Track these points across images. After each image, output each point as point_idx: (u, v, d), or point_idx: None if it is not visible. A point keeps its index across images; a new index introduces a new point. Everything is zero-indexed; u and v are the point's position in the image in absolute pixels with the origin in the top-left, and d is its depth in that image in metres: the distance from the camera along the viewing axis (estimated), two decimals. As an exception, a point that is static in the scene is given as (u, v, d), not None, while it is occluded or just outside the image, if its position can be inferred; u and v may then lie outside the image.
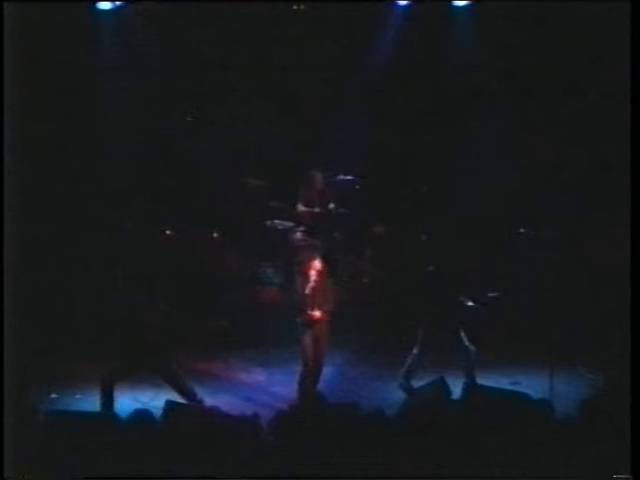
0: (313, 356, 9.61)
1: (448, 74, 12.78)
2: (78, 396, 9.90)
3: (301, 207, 12.41)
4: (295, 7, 12.98)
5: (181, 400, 8.91)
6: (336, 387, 10.18)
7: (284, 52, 12.92)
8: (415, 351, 9.96)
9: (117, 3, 12.46)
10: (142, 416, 7.04)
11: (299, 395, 9.57)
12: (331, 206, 12.51)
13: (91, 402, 9.31)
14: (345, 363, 10.99)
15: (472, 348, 9.87)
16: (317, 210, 12.37)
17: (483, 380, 9.61)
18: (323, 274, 9.69)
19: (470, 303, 9.99)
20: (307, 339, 9.57)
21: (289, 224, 12.57)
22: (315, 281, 9.57)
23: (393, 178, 12.95)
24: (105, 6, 12.33)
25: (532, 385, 9.40)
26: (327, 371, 10.26)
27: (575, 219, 11.82)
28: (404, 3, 12.86)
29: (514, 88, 12.35)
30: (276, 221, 12.72)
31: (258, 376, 10.80)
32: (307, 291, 9.55)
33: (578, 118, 11.93)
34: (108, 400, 9.05)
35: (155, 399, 9.02)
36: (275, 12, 12.75)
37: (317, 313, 9.55)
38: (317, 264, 9.67)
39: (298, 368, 9.72)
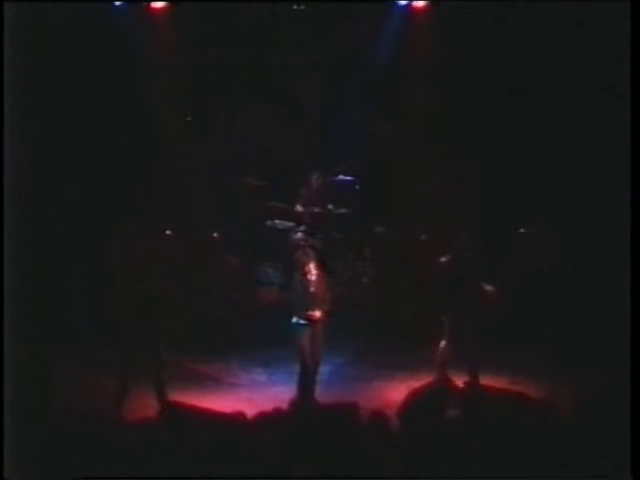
0: (312, 356, 9.61)
1: (448, 73, 12.79)
2: (81, 396, 9.89)
3: (300, 207, 12.41)
4: (295, 7, 12.99)
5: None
6: (336, 387, 10.19)
7: (284, 52, 12.93)
8: (443, 344, 9.93)
9: (117, 3, 12.50)
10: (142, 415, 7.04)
11: (299, 395, 9.56)
12: (331, 206, 12.53)
13: (90, 402, 9.30)
14: (345, 363, 10.99)
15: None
16: (317, 210, 12.36)
17: (482, 380, 9.62)
18: (322, 274, 9.69)
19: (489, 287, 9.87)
20: (306, 339, 9.56)
21: (289, 224, 12.57)
22: (314, 281, 9.57)
23: (393, 178, 12.95)
24: (106, 6, 12.34)
25: (532, 385, 9.40)
26: (327, 371, 10.27)
27: (575, 219, 11.82)
28: (404, 3, 12.89)
29: (514, 88, 12.34)
30: (276, 221, 12.74)
31: (258, 376, 10.80)
32: (307, 291, 9.55)
33: (578, 118, 11.93)
34: (121, 399, 9.04)
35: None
36: (275, 12, 12.76)
37: (316, 313, 9.54)
38: (317, 264, 9.67)
39: (298, 368, 9.72)
